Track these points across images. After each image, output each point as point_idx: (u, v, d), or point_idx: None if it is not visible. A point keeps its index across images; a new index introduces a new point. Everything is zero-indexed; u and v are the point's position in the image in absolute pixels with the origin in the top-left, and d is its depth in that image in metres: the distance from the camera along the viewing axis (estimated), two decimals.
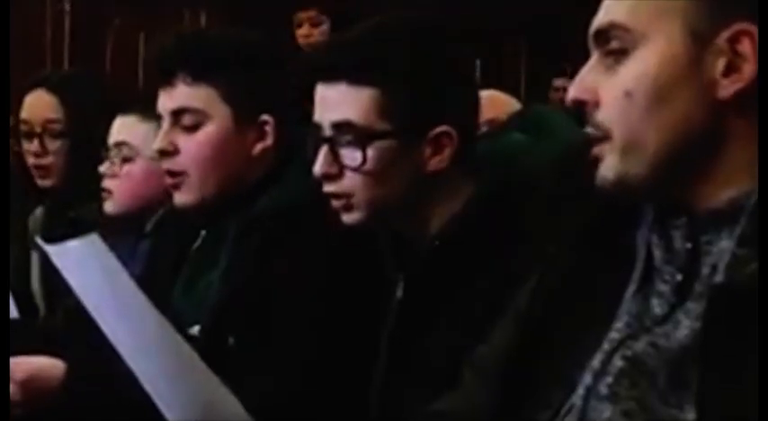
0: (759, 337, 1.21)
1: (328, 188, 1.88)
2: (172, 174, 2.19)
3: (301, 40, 5.71)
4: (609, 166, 1.36)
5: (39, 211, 3.15)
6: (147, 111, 2.72)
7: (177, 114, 2.17)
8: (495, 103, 3.72)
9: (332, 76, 1.86)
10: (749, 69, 1.30)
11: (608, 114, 1.35)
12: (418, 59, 1.86)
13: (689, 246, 1.35)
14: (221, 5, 8.02)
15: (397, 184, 1.86)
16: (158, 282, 2.28)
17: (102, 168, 2.73)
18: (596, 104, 1.36)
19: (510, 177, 1.87)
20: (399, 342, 1.89)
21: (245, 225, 2.13)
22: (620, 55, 1.35)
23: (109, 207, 2.72)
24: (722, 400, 1.24)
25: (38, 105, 3.06)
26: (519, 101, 3.88)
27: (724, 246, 1.31)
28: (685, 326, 1.32)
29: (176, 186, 2.19)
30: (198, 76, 2.15)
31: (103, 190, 2.73)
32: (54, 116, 3.03)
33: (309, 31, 5.78)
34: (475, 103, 1.94)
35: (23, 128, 3.06)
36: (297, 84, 2.18)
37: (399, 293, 1.90)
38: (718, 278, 1.30)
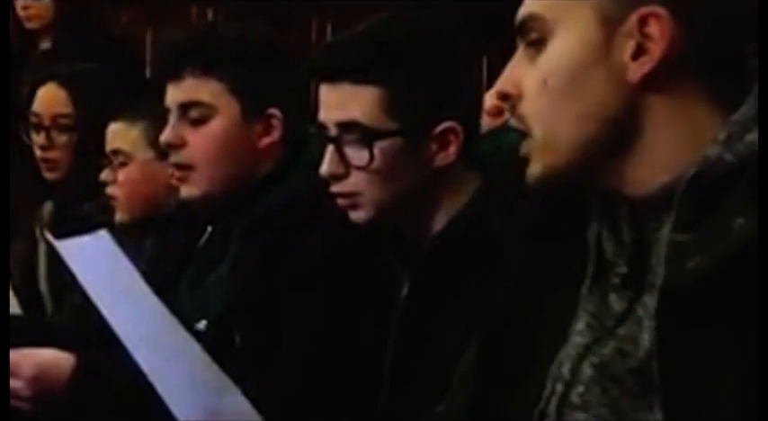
0: (759, 336, 1.21)
1: (335, 188, 1.89)
2: (179, 166, 2.20)
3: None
4: (534, 163, 1.36)
5: (47, 207, 3.16)
6: (134, 115, 2.77)
7: (185, 108, 2.18)
8: None
9: (335, 76, 1.87)
10: (657, 51, 1.29)
11: (528, 106, 1.35)
12: (420, 56, 1.87)
13: (634, 236, 1.34)
14: (228, 1, 8.02)
15: (403, 181, 1.87)
16: (165, 278, 2.28)
17: (103, 176, 2.75)
18: (519, 96, 1.36)
19: (514, 174, 1.88)
20: (406, 339, 1.90)
21: (251, 221, 2.14)
22: (539, 45, 1.34)
23: (119, 216, 2.76)
24: (686, 399, 1.24)
25: (48, 99, 3.09)
26: None
27: (666, 232, 1.29)
28: (647, 327, 1.30)
29: (183, 179, 2.20)
30: (206, 69, 2.16)
31: (109, 197, 2.77)
32: (63, 110, 3.06)
33: None
34: (478, 99, 1.95)
35: (33, 120, 3.10)
36: (303, 80, 2.19)
37: (405, 291, 1.91)
38: (660, 270, 1.28)
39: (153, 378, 1.84)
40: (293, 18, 6.08)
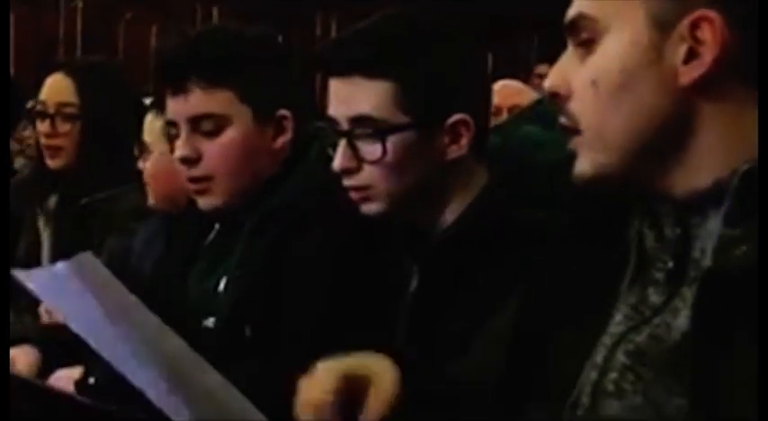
0: (759, 336, 1.22)
1: (348, 181, 1.88)
2: (196, 180, 2.16)
3: None
4: (581, 160, 1.36)
5: (52, 200, 3.18)
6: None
7: (195, 121, 2.14)
8: (513, 91, 3.74)
9: (346, 71, 1.87)
10: (709, 55, 1.29)
11: (577, 105, 1.36)
12: (429, 51, 1.87)
13: (678, 231, 1.35)
14: None
15: (416, 174, 1.86)
16: (174, 276, 2.29)
17: (139, 165, 2.76)
18: (569, 95, 1.37)
19: (523, 169, 1.88)
20: (415, 333, 1.89)
21: (260, 218, 2.13)
22: (589, 45, 1.35)
23: (149, 201, 2.73)
24: (714, 386, 1.24)
25: (54, 88, 3.10)
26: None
27: (711, 228, 1.31)
28: (684, 315, 1.32)
29: (202, 192, 2.17)
30: (213, 80, 2.12)
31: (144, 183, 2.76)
32: (68, 99, 3.07)
33: None
34: (488, 92, 1.95)
35: (39, 108, 3.12)
36: (308, 77, 2.18)
37: (414, 284, 1.91)
38: (706, 262, 1.30)
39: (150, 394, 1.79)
40: (297, 15, 6.09)
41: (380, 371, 1.57)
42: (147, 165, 2.67)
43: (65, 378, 2.28)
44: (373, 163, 1.85)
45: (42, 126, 3.09)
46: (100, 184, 3.00)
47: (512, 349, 1.50)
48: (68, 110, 3.06)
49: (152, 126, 2.69)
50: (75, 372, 2.22)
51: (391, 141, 1.84)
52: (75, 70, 3.12)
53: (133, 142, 2.84)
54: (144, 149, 2.69)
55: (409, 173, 1.86)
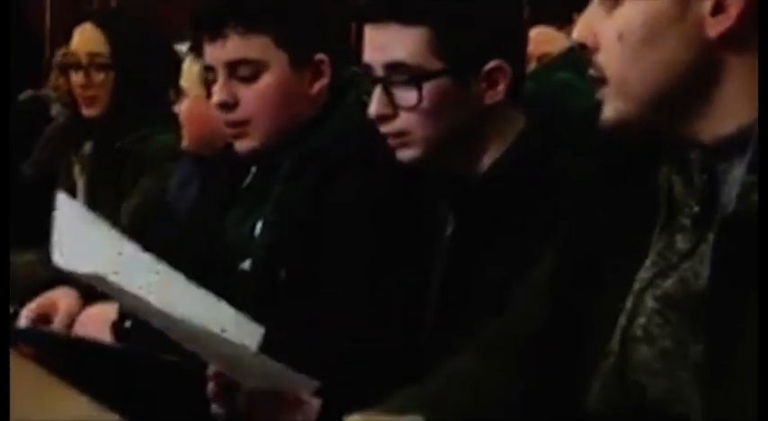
0: (759, 335, 1.23)
1: (384, 128, 1.88)
2: (233, 124, 2.18)
3: None
4: (608, 108, 1.38)
5: (87, 147, 3.21)
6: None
7: (233, 66, 2.15)
8: (546, 39, 3.73)
9: (381, 17, 1.86)
10: (735, 9, 1.31)
11: (604, 57, 1.37)
12: None
13: (705, 177, 1.37)
14: None
15: (452, 120, 1.86)
16: (210, 219, 2.31)
17: (175, 108, 2.78)
18: (596, 47, 1.38)
19: (558, 114, 1.89)
20: (450, 279, 1.90)
21: (296, 162, 2.14)
22: None
23: (184, 143, 2.77)
24: (729, 330, 1.26)
25: (84, 39, 3.13)
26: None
27: (737, 174, 1.33)
28: (709, 259, 1.33)
29: (239, 135, 2.18)
30: (251, 25, 2.13)
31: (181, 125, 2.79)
32: (99, 50, 3.09)
33: None
34: (524, 37, 1.95)
35: (71, 59, 3.14)
36: (345, 22, 2.19)
37: (449, 230, 1.91)
38: (731, 208, 1.32)
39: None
40: None
41: None
42: (182, 108, 2.69)
43: (95, 315, 2.30)
44: (409, 109, 1.85)
45: (76, 77, 3.12)
46: (134, 130, 3.04)
47: (551, 299, 1.52)
48: (100, 60, 3.09)
49: (190, 71, 2.71)
50: (110, 310, 2.24)
51: (427, 88, 1.84)
52: (104, 20, 3.16)
53: (167, 88, 2.87)
54: (180, 94, 2.72)
55: (445, 119, 1.86)
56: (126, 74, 3.06)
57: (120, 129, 3.06)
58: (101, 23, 3.12)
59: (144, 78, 3.04)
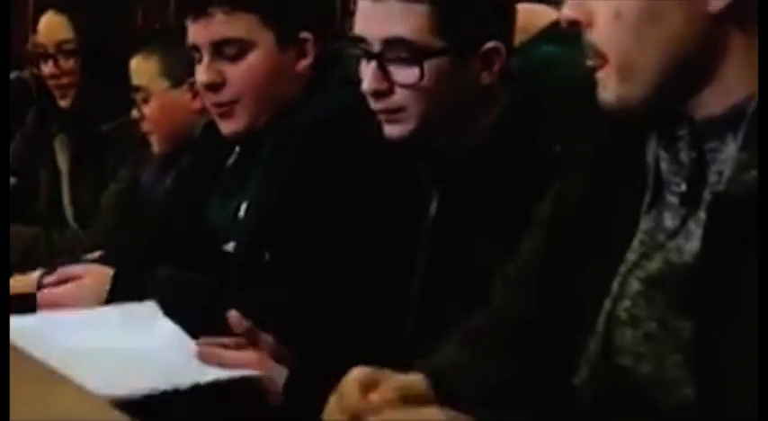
0: (759, 335, 1.22)
1: (378, 104, 1.86)
2: (220, 105, 2.17)
3: None
4: (609, 90, 1.36)
5: (61, 136, 3.21)
6: (149, 49, 2.83)
7: (218, 45, 2.14)
8: (534, 15, 3.69)
9: None
10: None
11: (600, 36, 1.35)
12: None
13: (693, 155, 1.35)
14: None
15: (449, 99, 1.85)
16: (193, 200, 2.29)
17: (133, 114, 2.80)
18: (590, 25, 1.36)
19: (541, 89, 1.87)
20: (434, 257, 1.89)
21: (281, 139, 2.13)
22: None
23: (156, 149, 2.81)
24: (718, 308, 1.25)
25: (49, 27, 3.13)
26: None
27: (729, 152, 1.31)
28: (696, 238, 1.32)
29: (225, 115, 2.17)
30: (236, 4, 2.12)
31: (146, 133, 2.82)
32: (65, 36, 3.09)
33: None
34: (514, 17, 1.93)
35: (40, 50, 3.14)
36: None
37: (434, 207, 1.91)
38: (721, 186, 1.31)
39: None
40: None
41: None
42: (148, 111, 2.70)
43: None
44: (406, 86, 1.83)
45: (47, 68, 3.12)
46: (108, 115, 3.04)
47: (537, 281, 1.50)
48: (67, 46, 3.09)
49: (144, 69, 2.71)
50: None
51: (428, 65, 1.82)
52: (64, 5, 3.13)
53: None
54: (142, 98, 2.72)
55: (443, 97, 1.84)
56: (93, 57, 3.06)
57: (95, 116, 3.06)
58: (64, 9, 3.11)
59: (112, 60, 3.00)
